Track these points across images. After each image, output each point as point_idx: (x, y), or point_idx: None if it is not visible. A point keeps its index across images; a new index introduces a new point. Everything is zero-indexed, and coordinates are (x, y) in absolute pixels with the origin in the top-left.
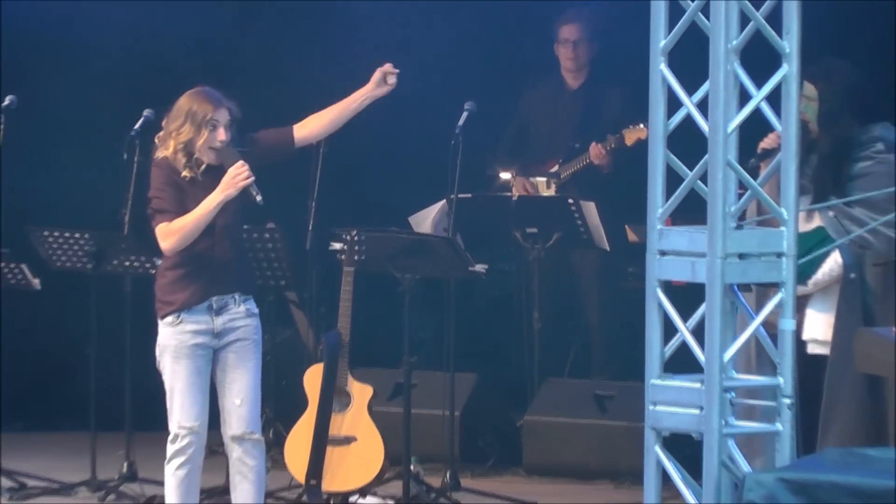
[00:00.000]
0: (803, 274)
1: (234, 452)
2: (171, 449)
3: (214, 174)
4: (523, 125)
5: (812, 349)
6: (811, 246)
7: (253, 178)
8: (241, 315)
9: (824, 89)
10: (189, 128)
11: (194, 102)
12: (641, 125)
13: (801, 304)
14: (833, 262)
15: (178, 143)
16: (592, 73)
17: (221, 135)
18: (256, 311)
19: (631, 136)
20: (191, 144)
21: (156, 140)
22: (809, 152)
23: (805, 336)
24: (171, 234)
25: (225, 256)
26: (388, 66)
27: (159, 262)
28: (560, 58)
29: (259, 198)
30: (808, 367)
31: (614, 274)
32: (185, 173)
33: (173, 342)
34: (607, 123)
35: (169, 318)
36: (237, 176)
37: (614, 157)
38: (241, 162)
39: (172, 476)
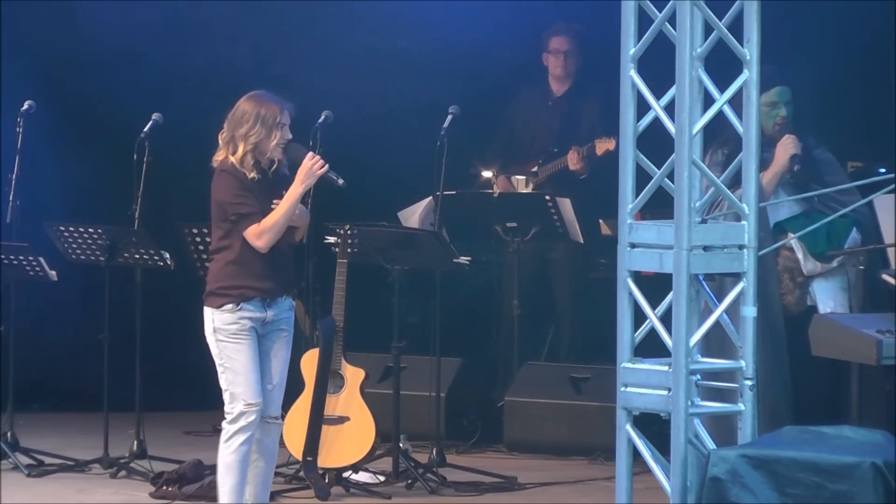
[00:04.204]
0: (830, 256)
1: (258, 433)
2: (232, 428)
3: (274, 172)
4: (510, 130)
5: None
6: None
7: (328, 166)
8: (286, 307)
9: (796, 93)
10: (261, 130)
11: (261, 106)
12: (612, 138)
13: (808, 282)
14: (853, 240)
15: (248, 145)
16: (577, 82)
17: (288, 133)
18: (293, 302)
19: (601, 147)
20: (262, 145)
21: (220, 140)
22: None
23: (822, 310)
24: (265, 232)
25: (281, 250)
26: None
27: (215, 253)
28: (549, 66)
29: (341, 181)
30: None
31: (586, 265)
32: (252, 175)
33: (234, 326)
34: (584, 131)
35: (227, 307)
36: (313, 166)
37: (589, 163)
38: (310, 153)
39: (235, 453)
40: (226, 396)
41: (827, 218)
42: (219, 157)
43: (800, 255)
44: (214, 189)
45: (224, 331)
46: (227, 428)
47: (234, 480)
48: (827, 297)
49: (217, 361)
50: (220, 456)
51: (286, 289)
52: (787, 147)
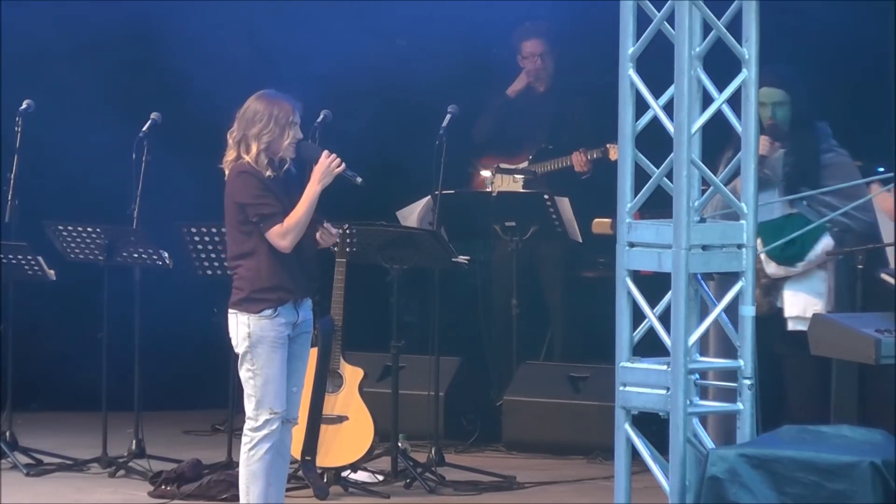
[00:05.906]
0: (794, 257)
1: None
2: (257, 435)
3: (285, 172)
4: (500, 117)
5: (793, 326)
6: (793, 231)
7: (345, 165)
8: (308, 307)
9: (796, 94)
10: (274, 129)
11: (274, 105)
12: None
13: (778, 285)
14: (824, 246)
15: (261, 145)
16: (558, 76)
17: (299, 132)
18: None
19: (615, 153)
20: (275, 145)
21: (230, 139)
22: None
23: (787, 314)
24: (288, 232)
25: (311, 250)
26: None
27: (241, 258)
28: (526, 69)
29: (359, 179)
30: (791, 345)
31: (575, 263)
32: (269, 174)
33: (272, 333)
34: (573, 129)
35: (267, 312)
36: (331, 164)
37: (595, 166)
38: (326, 152)
39: (261, 461)
40: (250, 402)
41: (806, 227)
42: (230, 156)
43: (762, 257)
44: (233, 190)
45: (262, 338)
46: (251, 435)
47: (260, 487)
48: (796, 301)
49: (247, 367)
50: (245, 464)
51: (312, 290)
52: None
